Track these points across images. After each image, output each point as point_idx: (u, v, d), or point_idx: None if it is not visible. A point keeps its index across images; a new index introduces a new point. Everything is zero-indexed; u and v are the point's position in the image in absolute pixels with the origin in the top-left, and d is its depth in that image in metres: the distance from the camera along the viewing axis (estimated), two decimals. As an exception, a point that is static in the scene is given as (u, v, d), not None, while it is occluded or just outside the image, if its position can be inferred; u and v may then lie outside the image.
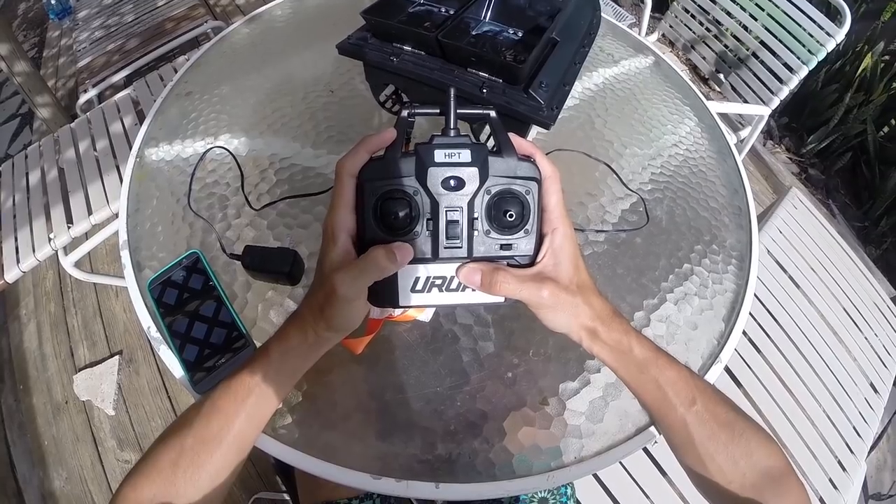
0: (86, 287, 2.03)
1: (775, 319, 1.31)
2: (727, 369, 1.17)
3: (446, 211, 0.43)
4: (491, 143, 0.48)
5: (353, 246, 0.45)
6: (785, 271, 1.45)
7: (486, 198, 0.43)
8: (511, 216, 0.43)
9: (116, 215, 1.51)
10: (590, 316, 0.46)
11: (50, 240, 1.51)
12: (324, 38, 1.07)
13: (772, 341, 1.27)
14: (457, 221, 0.43)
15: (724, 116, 1.87)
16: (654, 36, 2.22)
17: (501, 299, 0.46)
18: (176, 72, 1.86)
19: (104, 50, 2.26)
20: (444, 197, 0.42)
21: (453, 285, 0.45)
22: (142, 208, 0.85)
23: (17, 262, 1.47)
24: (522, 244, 0.45)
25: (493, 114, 0.48)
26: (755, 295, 1.27)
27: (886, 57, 2.82)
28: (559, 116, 0.67)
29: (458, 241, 0.43)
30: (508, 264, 0.45)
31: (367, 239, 0.44)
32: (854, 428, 1.22)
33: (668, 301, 0.76)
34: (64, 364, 1.87)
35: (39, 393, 1.82)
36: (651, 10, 2.12)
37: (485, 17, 0.78)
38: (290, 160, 0.88)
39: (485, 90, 0.64)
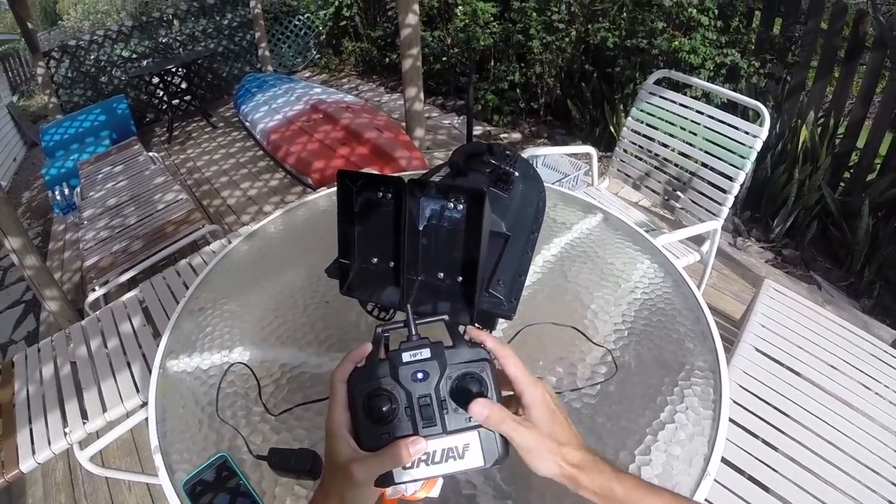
0: (97, 480, 2.03)
1: (786, 415, 1.32)
2: (753, 478, 1.17)
3: (418, 398, 0.52)
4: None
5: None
6: (781, 364, 1.47)
7: (449, 382, 0.53)
8: (471, 393, 0.53)
9: (128, 414, 1.58)
10: (570, 464, 0.52)
11: (66, 434, 1.55)
12: (314, 251, 1.22)
13: (790, 438, 1.27)
14: (429, 405, 0.52)
15: (686, 241, 1.97)
16: (606, 182, 2.41)
17: (481, 464, 0.53)
18: (179, 275, 2.04)
19: (110, 250, 2.44)
20: (416, 387, 0.52)
21: (436, 458, 0.53)
22: (168, 416, 0.96)
23: (33, 452, 1.51)
24: None
25: (446, 318, 0.60)
26: (763, 399, 1.31)
27: (822, 120, 3.03)
28: (522, 300, 0.79)
29: (433, 421, 0.52)
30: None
31: (361, 430, 0.53)
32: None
33: (647, 435, 0.83)
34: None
35: None
36: (602, 150, 2.35)
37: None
38: (300, 368, 1.00)
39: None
